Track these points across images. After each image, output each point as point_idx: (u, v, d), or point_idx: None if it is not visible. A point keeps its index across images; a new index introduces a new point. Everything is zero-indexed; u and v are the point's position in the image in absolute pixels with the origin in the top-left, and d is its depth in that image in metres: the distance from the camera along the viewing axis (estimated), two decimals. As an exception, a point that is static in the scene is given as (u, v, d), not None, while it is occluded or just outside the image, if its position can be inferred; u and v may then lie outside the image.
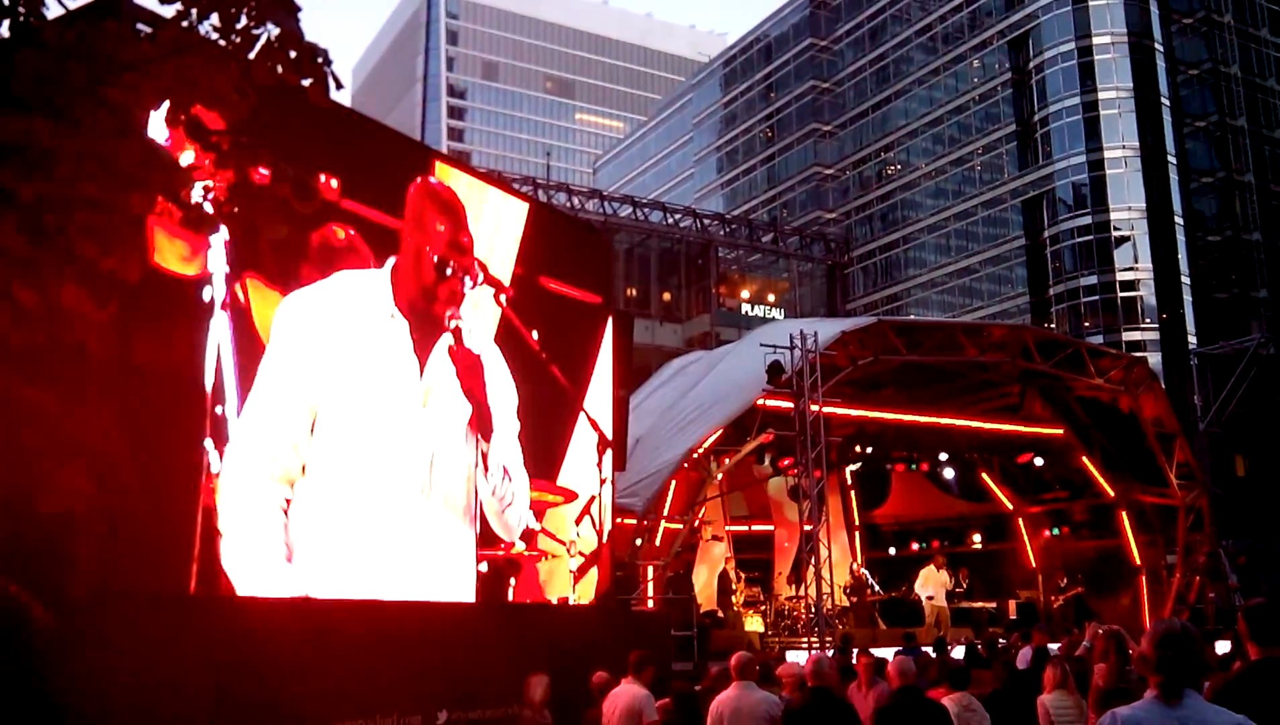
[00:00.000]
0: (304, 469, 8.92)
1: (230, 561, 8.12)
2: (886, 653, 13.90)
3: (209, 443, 8.15)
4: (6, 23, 3.59)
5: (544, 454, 12.08)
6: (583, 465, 12.66)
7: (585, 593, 12.48)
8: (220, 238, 8.05)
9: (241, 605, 8.17)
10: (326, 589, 8.95)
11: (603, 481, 12.83)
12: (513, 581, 11.34)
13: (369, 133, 11.12)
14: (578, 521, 12.46)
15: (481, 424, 10.70)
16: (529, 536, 11.71)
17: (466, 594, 10.59)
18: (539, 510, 11.94)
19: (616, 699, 8.08)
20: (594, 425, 12.73)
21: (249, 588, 8.23)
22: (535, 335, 11.70)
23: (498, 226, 11.71)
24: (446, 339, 10.26)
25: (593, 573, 12.67)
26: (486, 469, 10.84)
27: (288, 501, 8.78)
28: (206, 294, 8.18)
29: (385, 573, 9.54)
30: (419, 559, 9.99)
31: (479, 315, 11.15)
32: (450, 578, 10.43)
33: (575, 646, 10.16)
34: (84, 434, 3.97)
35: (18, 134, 3.35)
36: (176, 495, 7.88)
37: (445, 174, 11.20)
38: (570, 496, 12.48)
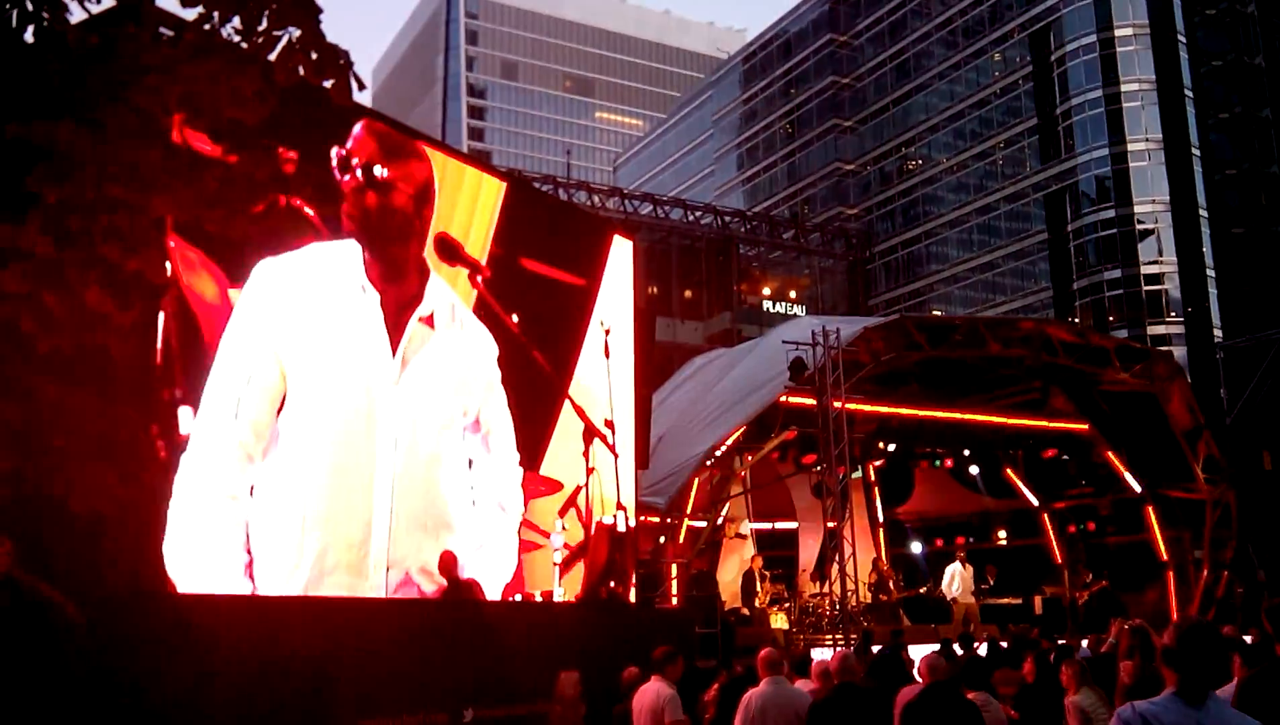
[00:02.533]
0: (264, 453, 8.63)
1: (175, 555, 7.77)
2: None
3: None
4: (30, 28, 3.62)
5: (526, 443, 11.50)
6: (567, 455, 11.99)
7: (571, 587, 11.92)
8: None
9: (271, 604, 8.21)
10: (295, 577, 8.72)
11: (589, 471, 12.10)
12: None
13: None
14: (562, 513, 11.85)
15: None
16: None
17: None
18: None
19: (642, 696, 7.96)
20: (580, 413, 12.07)
21: (193, 583, 7.89)
22: (515, 318, 11.12)
23: (474, 206, 11.18)
24: (420, 311, 10.02)
25: (579, 567, 12.11)
26: (489, 448, 10.62)
27: (252, 487, 8.48)
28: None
29: (358, 558, 9.33)
30: (394, 543, 9.70)
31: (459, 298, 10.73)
32: (428, 562, 10.12)
33: (603, 644, 10.13)
34: (112, 433, 3.99)
35: (42, 138, 3.38)
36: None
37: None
38: (554, 487, 11.90)
